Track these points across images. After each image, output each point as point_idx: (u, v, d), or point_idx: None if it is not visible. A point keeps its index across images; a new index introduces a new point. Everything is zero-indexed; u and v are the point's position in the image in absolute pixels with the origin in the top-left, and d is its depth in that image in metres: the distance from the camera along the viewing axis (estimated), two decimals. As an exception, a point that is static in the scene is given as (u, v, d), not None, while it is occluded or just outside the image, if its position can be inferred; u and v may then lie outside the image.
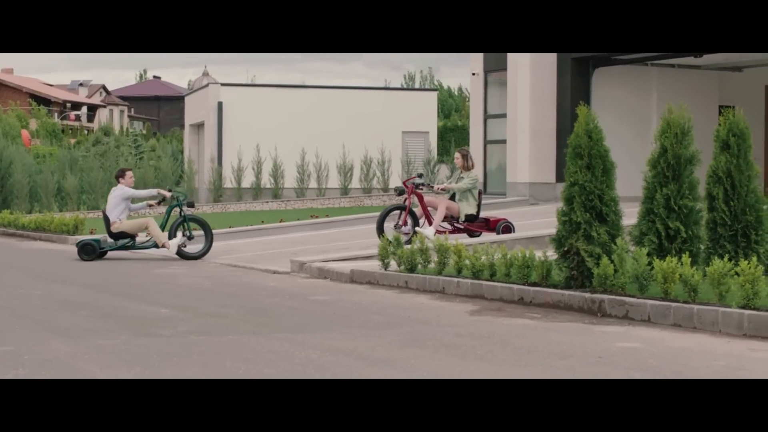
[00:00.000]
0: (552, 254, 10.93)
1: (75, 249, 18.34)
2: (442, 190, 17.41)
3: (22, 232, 25.90)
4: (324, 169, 35.67)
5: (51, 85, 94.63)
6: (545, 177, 25.37)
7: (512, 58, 25.67)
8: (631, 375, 6.95)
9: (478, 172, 17.30)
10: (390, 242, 13.32)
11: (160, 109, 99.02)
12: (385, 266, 13.25)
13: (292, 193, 35.73)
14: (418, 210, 16.97)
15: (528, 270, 11.15)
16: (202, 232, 18.05)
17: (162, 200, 18.70)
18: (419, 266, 12.81)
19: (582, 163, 10.59)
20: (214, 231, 18.48)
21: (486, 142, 27.70)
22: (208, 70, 43.72)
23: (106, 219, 18.35)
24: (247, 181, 35.88)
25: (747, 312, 8.68)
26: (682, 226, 10.41)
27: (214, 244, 18.34)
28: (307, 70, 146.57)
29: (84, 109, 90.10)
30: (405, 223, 16.70)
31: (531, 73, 25.24)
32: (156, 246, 18.02)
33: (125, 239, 18.18)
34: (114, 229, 18.19)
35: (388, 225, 16.70)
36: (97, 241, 18.19)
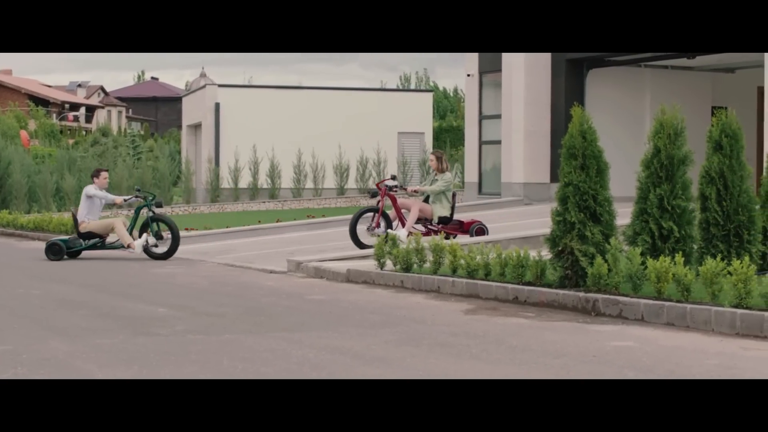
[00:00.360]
0: (546, 254, 10.97)
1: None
2: (414, 192, 17.46)
3: (21, 232, 25.92)
4: (320, 170, 35.75)
5: (49, 86, 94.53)
6: (540, 177, 25.44)
7: (507, 59, 25.72)
8: (624, 373, 6.99)
9: (450, 175, 17.25)
10: (386, 241, 13.39)
11: (157, 110, 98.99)
12: (381, 266, 13.31)
13: (289, 193, 35.79)
14: (391, 212, 16.94)
15: (523, 269, 11.20)
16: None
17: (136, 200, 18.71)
18: (415, 266, 12.87)
19: (576, 163, 10.64)
20: (214, 231, 18.52)
21: (481, 143, 27.75)
22: (205, 71, 43.73)
23: (75, 219, 18.40)
24: (244, 181, 35.93)
25: (739, 311, 8.73)
26: (675, 226, 10.46)
27: (213, 243, 18.41)
28: (304, 71, 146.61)
29: (82, 109, 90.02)
30: (378, 225, 16.65)
31: (525, 75, 25.30)
32: (124, 247, 18.06)
33: (94, 239, 18.21)
34: (82, 229, 18.21)
35: (362, 227, 16.67)
36: (65, 240, 18.18)
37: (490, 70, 27.17)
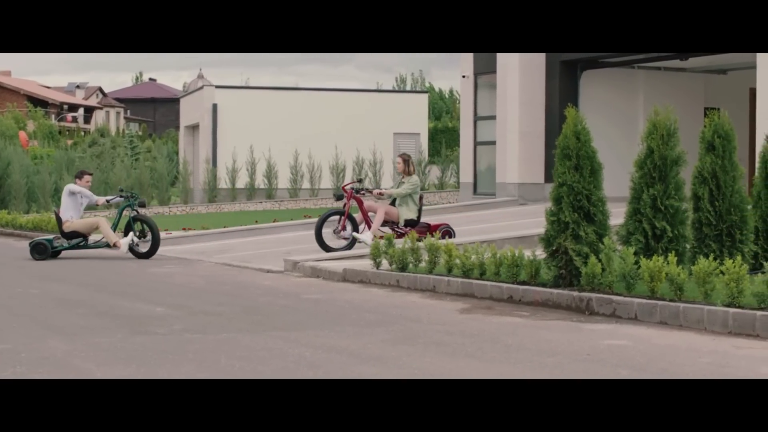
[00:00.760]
0: (541, 253, 11.01)
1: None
2: (380, 195, 17.46)
3: (20, 231, 25.96)
4: (317, 170, 35.82)
5: (48, 87, 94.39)
6: (534, 178, 25.50)
7: (502, 61, 25.78)
8: (618, 372, 7.02)
9: (417, 178, 17.22)
10: (383, 240, 13.44)
11: (155, 110, 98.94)
12: (377, 265, 13.37)
13: (286, 193, 35.85)
14: (358, 215, 16.88)
15: (517, 269, 11.24)
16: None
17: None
18: (410, 265, 12.92)
19: (570, 164, 10.68)
20: (210, 231, 18.61)
21: (476, 144, 27.81)
22: (203, 73, 43.74)
23: (59, 219, 18.45)
24: (242, 181, 35.98)
25: (732, 310, 8.78)
26: (669, 226, 10.50)
27: (210, 243, 18.49)
28: (301, 72, 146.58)
29: (81, 110, 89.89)
30: (344, 228, 16.60)
31: (520, 76, 25.35)
32: (108, 245, 18.10)
33: (77, 238, 18.24)
34: (65, 228, 18.25)
35: (327, 230, 16.62)
36: (50, 240, 18.21)
37: (485, 72, 27.23)
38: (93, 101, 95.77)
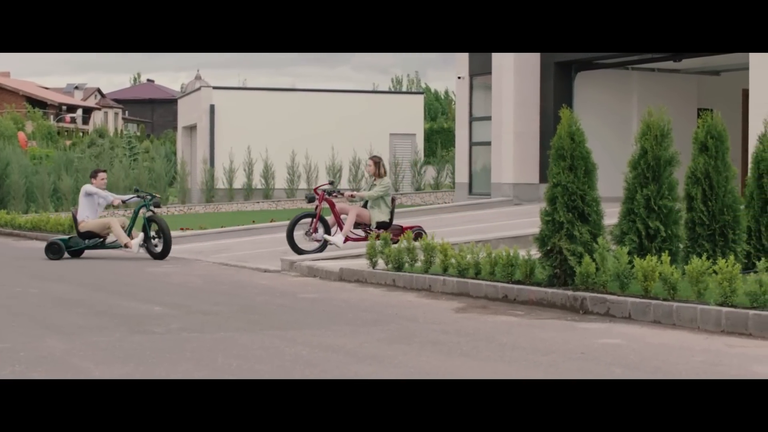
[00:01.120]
0: (535, 253, 11.05)
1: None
2: (352, 197, 17.44)
3: (19, 231, 26.03)
4: (314, 170, 35.88)
5: (47, 88, 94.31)
6: (529, 178, 25.55)
7: (497, 62, 25.83)
8: (612, 370, 7.06)
9: (388, 180, 17.20)
10: (378, 240, 13.49)
11: (153, 111, 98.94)
12: (373, 265, 13.42)
13: (283, 193, 35.90)
14: (330, 218, 16.87)
15: (512, 268, 11.30)
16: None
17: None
18: (406, 265, 12.98)
19: (565, 164, 10.73)
20: (208, 231, 18.63)
21: (471, 144, 27.84)
22: (200, 74, 43.88)
23: (75, 219, 18.48)
24: (239, 181, 36.05)
25: (724, 309, 8.82)
26: (662, 226, 10.55)
27: (208, 243, 18.53)
28: (297, 74, 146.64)
29: (79, 111, 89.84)
30: (315, 230, 16.57)
31: (515, 77, 25.39)
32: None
33: (94, 239, 18.27)
34: (81, 228, 18.27)
35: (299, 233, 16.59)
36: (65, 240, 18.26)
37: (480, 73, 27.28)
38: (91, 102, 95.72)
